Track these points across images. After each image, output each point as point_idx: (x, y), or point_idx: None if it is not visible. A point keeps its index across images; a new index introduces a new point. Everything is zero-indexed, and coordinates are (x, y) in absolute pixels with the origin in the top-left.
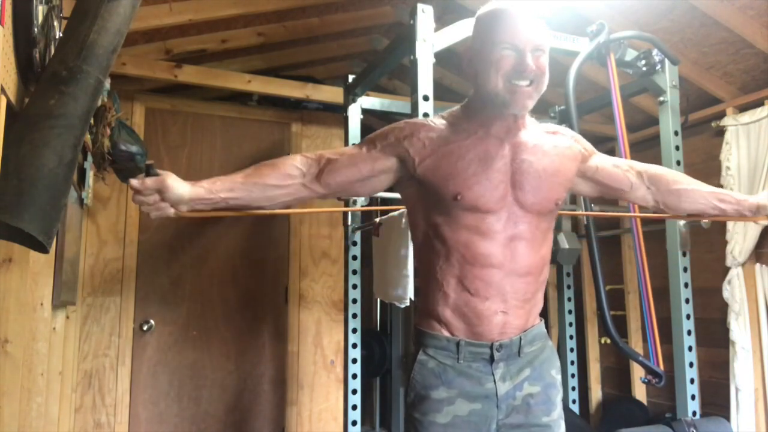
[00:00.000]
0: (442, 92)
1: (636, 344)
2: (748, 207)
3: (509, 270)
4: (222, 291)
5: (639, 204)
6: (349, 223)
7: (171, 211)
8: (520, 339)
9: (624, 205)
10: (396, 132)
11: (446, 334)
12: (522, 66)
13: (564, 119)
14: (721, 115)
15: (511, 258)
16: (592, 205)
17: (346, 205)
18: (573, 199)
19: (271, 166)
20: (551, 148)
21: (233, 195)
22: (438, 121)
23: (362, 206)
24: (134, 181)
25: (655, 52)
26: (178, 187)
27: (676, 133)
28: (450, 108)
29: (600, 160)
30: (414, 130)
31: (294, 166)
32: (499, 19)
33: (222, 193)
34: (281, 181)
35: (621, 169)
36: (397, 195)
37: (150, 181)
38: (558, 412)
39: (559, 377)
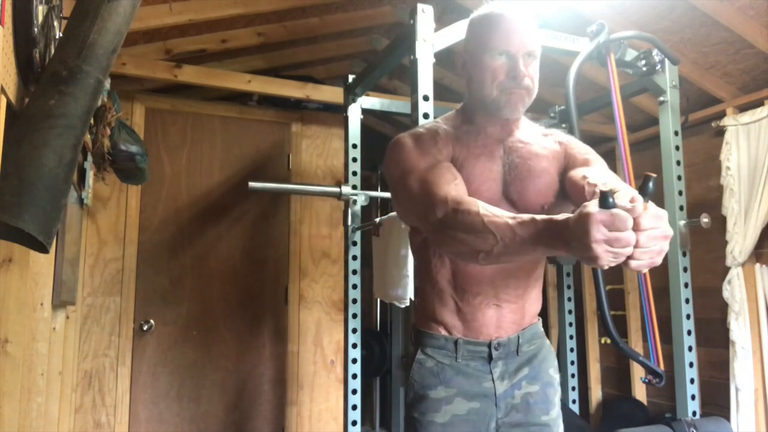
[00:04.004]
0: (442, 92)
1: (636, 344)
2: None
3: (500, 265)
4: (222, 291)
5: None
6: (349, 223)
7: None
8: (518, 337)
9: None
10: (431, 133)
11: (444, 333)
12: (515, 72)
13: (564, 119)
14: (721, 115)
15: None
16: None
17: (346, 206)
18: None
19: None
20: (541, 149)
21: None
22: (443, 127)
23: (362, 206)
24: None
25: (655, 52)
26: None
27: (676, 133)
28: (449, 108)
29: (578, 169)
30: (441, 134)
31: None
32: (492, 24)
33: None
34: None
35: (585, 181)
36: None
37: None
38: (557, 411)
39: (557, 376)
